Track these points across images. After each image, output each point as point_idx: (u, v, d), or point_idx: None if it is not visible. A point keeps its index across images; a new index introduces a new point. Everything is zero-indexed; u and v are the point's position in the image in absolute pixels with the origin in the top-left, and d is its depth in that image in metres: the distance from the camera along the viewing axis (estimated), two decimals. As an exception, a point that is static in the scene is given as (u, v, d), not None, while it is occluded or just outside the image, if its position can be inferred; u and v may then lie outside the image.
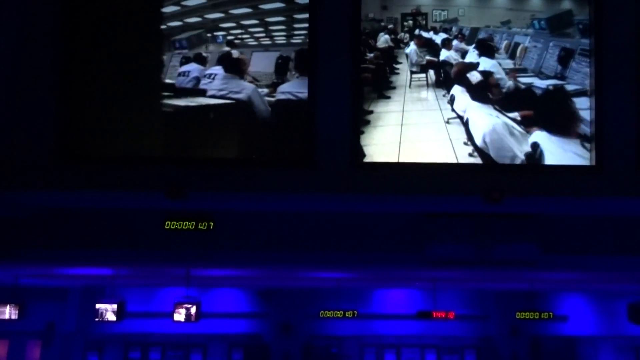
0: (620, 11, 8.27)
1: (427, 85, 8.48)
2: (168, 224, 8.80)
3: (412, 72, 8.50)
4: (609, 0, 8.28)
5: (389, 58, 8.48)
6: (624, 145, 8.13)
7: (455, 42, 8.50)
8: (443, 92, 8.42)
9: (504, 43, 8.52)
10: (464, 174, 8.09)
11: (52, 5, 8.12)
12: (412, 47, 8.56)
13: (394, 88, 8.40)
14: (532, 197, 8.13)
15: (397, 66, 8.53)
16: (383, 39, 8.52)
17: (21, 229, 9.01)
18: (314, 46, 8.17)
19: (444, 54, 8.51)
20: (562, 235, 9.19)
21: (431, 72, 8.51)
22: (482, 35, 8.48)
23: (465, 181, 8.06)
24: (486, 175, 8.03)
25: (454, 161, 8.11)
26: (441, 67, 8.48)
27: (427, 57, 8.53)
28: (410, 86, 8.45)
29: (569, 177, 8.07)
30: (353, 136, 8.05)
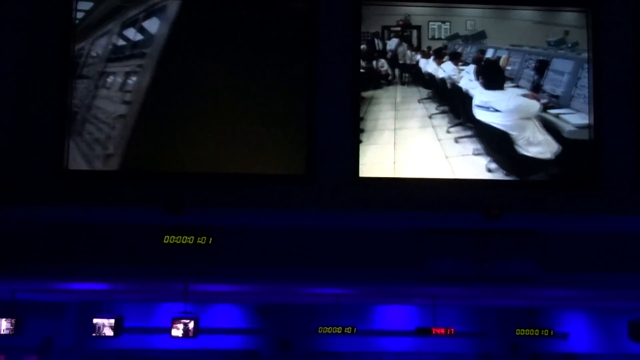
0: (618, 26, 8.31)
1: None
2: (167, 238, 8.78)
3: None
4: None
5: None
6: (623, 162, 8.12)
7: None
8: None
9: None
10: (463, 190, 8.07)
11: (54, 23, 8.19)
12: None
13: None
14: (532, 213, 8.10)
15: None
16: None
17: (19, 243, 8.95)
18: (313, 61, 8.08)
19: None
20: (562, 252, 9.13)
21: None
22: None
23: (464, 197, 8.04)
24: (485, 191, 8.01)
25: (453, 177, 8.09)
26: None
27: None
28: None
29: (569, 194, 8.05)
30: (352, 152, 8.03)
